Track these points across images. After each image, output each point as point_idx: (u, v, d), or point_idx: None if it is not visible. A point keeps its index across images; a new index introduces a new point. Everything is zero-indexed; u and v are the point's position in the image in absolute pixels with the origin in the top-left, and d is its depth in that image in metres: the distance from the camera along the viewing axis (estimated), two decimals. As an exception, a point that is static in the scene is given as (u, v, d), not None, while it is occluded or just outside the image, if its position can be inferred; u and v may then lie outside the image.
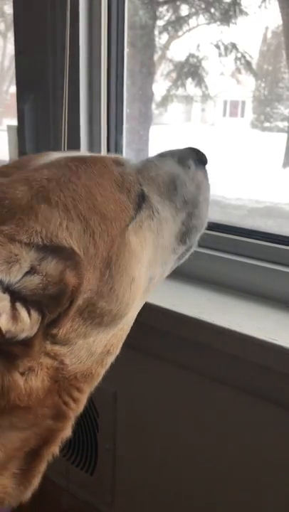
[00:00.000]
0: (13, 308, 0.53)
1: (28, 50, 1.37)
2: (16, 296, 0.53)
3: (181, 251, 0.76)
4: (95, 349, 0.64)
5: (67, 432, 0.69)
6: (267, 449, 1.05)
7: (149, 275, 0.69)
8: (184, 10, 2.04)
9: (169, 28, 2.09)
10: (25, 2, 1.35)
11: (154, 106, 2.17)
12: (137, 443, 1.30)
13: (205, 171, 0.80)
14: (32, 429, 0.61)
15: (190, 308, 1.06)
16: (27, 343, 0.55)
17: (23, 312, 0.53)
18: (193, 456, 1.18)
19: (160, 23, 2.08)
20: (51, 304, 0.55)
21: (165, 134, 2.28)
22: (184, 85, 2.17)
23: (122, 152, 1.39)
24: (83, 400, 0.68)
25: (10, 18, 2.93)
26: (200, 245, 1.21)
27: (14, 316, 0.52)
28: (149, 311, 1.09)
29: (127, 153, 1.44)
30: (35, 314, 0.54)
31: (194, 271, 1.20)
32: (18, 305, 0.53)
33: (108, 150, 1.38)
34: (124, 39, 1.33)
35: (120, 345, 0.71)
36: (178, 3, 2.07)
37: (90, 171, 0.62)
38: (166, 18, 2.10)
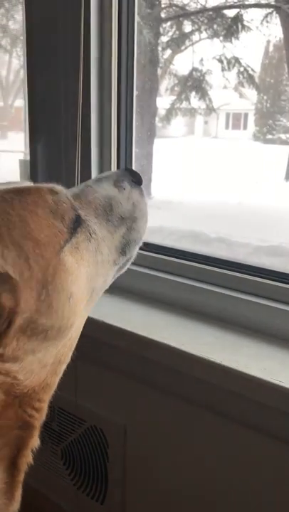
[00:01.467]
0: None
1: (41, 92, 1.39)
2: None
3: (122, 261, 0.82)
4: (46, 361, 0.69)
5: (35, 441, 0.73)
6: (272, 483, 1.05)
7: (90, 287, 0.74)
8: (187, 26, 2.05)
9: (172, 44, 2.10)
10: (37, 43, 1.37)
11: (157, 119, 2.19)
12: (147, 474, 1.28)
13: (140, 190, 0.87)
14: (1, 440, 0.66)
15: (198, 347, 1.07)
16: None
17: None
18: (202, 489, 1.18)
19: (164, 39, 2.09)
20: None
21: (168, 147, 2.29)
22: (188, 99, 2.18)
23: None
24: (44, 408, 0.72)
25: (14, 33, 2.96)
26: (207, 282, 1.24)
27: None
28: (158, 349, 1.10)
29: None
30: None
31: (201, 308, 1.23)
32: None
33: None
34: (134, 80, 1.34)
35: (70, 353, 0.75)
36: (181, 19, 2.09)
37: (24, 201, 0.67)
38: (169, 34, 2.12)
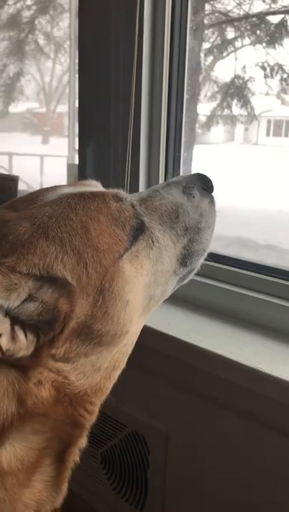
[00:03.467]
0: (13, 330, 0.59)
1: (91, 97, 1.39)
2: (15, 319, 0.60)
3: (183, 272, 0.80)
4: (99, 365, 0.69)
5: (83, 440, 0.74)
6: None
7: (148, 295, 0.74)
8: (230, 32, 2.03)
9: (215, 51, 2.08)
10: (90, 50, 1.37)
11: (196, 126, 2.17)
12: (188, 482, 1.24)
13: (211, 198, 0.83)
14: (52, 432, 0.68)
15: (246, 356, 1.04)
16: (35, 357, 0.62)
17: (20, 334, 0.59)
18: (245, 501, 1.14)
19: (206, 45, 2.08)
20: (45, 328, 0.61)
21: (208, 154, 2.27)
22: (229, 106, 2.16)
23: None
24: (95, 411, 0.73)
25: (58, 40, 3.00)
26: (255, 290, 1.21)
27: (13, 337, 0.59)
28: (204, 356, 1.08)
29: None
30: (30, 336, 0.60)
31: (249, 316, 1.19)
32: (17, 328, 0.59)
33: None
34: (185, 86, 1.33)
35: (125, 359, 0.75)
36: (224, 25, 2.07)
37: (88, 207, 0.68)
38: (211, 40, 2.10)
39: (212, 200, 0.83)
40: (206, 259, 1.32)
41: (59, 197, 0.70)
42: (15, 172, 2.57)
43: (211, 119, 2.27)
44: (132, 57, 1.23)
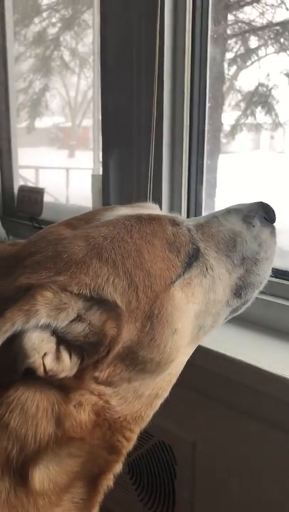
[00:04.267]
0: (58, 350, 0.58)
1: (114, 109, 1.42)
2: (61, 339, 0.59)
3: (236, 304, 0.77)
4: (141, 392, 0.67)
5: (118, 466, 0.72)
6: None
7: (198, 325, 0.72)
8: (253, 41, 2.04)
9: (238, 60, 2.09)
10: (112, 63, 1.41)
11: (221, 135, 2.18)
12: (217, 493, 1.23)
13: (272, 229, 0.81)
14: (87, 456, 0.66)
15: (274, 365, 1.03)
16: (78, 378, 0.61)
17: (65, 355, 0.59)
18: (275, 509, 1.12)
19: (229, 55, 2.09)
20: (90, 350, 0.60)
21: (233, 163, 2.27)
22: (253, 114, 2.16)
23: (201, 202, 1.40)
24: (134, 438, 0.71)
25: (83, 56, 3.07)
26: (283, 297, 1.18)
27: (57, 357, 0.58)
28: (231, 365, 1.07)
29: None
30: (75, 358, 0.60)
31: (276, 325, 1.19)
32: (62, 348, 0.59)
33: (188, 200, 1.40)
34: (206, 96, 1.35)
35: (169, 388, 0.73)
36: (247, 35, 2.08)
37: (144, 230, 0.67)
38: (234, 49, 2.11)
39: (273, 231, 0.80)
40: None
41: (116, 218, 0.69)
42: (41, 185, 2.63)
43: (236, 128, 2.27)
44: (153, 69, 1.25)
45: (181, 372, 1.21)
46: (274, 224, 0.81)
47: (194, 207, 1.39)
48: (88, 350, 0.60)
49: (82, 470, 0.66)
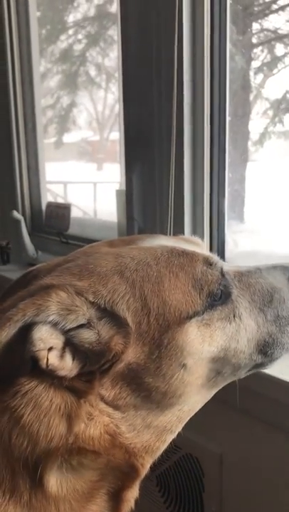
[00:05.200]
0: (63, 349, 0.61)
1: (135, 123, 1.46)
2: (68, 340, 0.62)
3: (260, 360, 0.75)
4: (150, 422, 0.68)
5: (136, 491, 0.73)
6: None
7: (215, 369, 0.71)
8: (279, 49, 2.05)
9: (265, 68, 2.11)
10: (133, 78, 1.45)
11: (249, 143, 2.19)
12: (245, 507, 1.24)
13: None
14: (107, 469, 0.67)
15: None
16: (88, 383, 0.63)
17: (68, 355, 0.61)
18: None
19: (255, 64, 2.11)
20: (93, 359, 0.63)
21: (261, 171, 2.27)
22: (281, 121, 2.16)
23: (224, 215, 1.42)
24: (146, 466, 0.71)
25: (109, 70, 3.14)
26: None
27: (61, 355, 0.61)
28: (259, 379, 1.05)
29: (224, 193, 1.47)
30: (77, 361, 0.62)
31: None
32: (67, 348, 0.62)
33: (211, 213, 1.42)
34: (226, 107, 1.37)
35: (180, 425, 0.73)
36: (273, 43, 2.10)
37: (172, 261, 0.69)
38: (261, 58, 2.13)
39: None
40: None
41: (152, 246, 0.72)
42: (71, 199, 2.69)
43: (264, 136, 2.28)
44: (172, 81, 1.29)
45: None
46: None
47: (217, 220, 1.41)
48: (91, 359, 0.62)
49: (103, 480, 0.67)
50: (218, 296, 0.70)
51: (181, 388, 0.68)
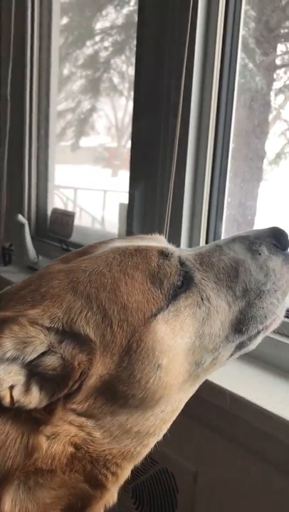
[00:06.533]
0: (28, 382, 0.60)
1: (142, 145, 1.50)
2: (32, 371, 0.60)
3: (238, 340, 0.73)
4: (129, 428, 0.66)
5: (108, 500, 0.71)
6: None
7: (194, 361, 0.69)
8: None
9: (286, 90, 2.14)
10: (142, 103, 1.49)
11: (266, 162, 2.22)
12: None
13: (285, 257, 0.75)
14: (62, 489, 0.65)
15: (272, 403, 1.05)
16: (49, 411, 0.61)
17: (34, 387, 0.60)
18: None
19: (277, 85, 2.14)
20: (61, 383, 0.61)
21: (275, 190, 2.30)
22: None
23: (220, 237, 1.44)
24: (123, 474, 0.70)
25: (132, 79, 3.20)
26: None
27: (26, 389, 0.59)
28: (237, 403, 1.10)
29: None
30: (45, 390, 0.61)
31: (281, 363, 1.21)
32: (33, 380, 0.60)
33: (207, 235, 1.45)
34: (231, 132, 1.40)
35: (165, 426, 0.71)
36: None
37: (125, 263, 0.66)
38: (283, 79, 2.16)
39: (286, 259, 0.75)
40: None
41: (104, 251, 0.69)
42: (81, 205, 2.75)
43: (280, 156, 2.30)
44: (178, 103, 1.33)
45: (187, 403, 1.26)
46: (287, 251, 0.76)
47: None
48: (59, 383, 0.61)
49: (56, 503, 0.65)
50: (179, 285, 0.68)
51: (159, 391, 0.66)
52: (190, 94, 1.36)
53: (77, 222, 2.46)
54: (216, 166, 1.42)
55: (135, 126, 1.53)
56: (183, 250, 0.75)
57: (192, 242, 1.44)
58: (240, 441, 1.19)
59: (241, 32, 1.42)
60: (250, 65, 1.80)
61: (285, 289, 0.74)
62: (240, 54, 1.43)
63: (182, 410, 1.28)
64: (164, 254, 0.69)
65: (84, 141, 3.24)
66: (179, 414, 1.30)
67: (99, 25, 3.05)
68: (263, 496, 1.17)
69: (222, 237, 1.45)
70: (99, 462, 0.66)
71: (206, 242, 1.46)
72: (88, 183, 3.02)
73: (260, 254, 0.74)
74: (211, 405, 1.20)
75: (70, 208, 2.89)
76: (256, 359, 1.28)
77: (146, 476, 1.46)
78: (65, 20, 3.17)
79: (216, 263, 0.73)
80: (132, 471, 1.49)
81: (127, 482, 1.48)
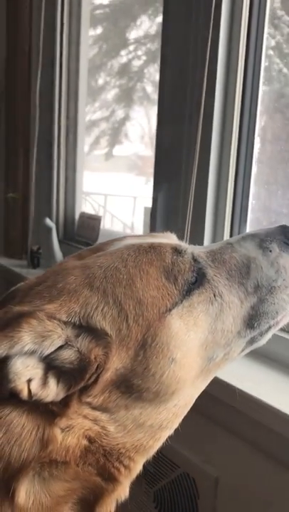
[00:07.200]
0: (45, 375, 0.62)
1: (165, 149, 1.52)
2: (49, 365, 0.62)
3: (250, 335, 0.75)
4: (143, 421, 0.68)
5: (120, 494, 0.72)
6: None
7: (206, 356, 0.71)
8: None
9: None
10: (166, 108, 1.51)
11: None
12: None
13: None
14: (76, 482, 0.67)
15: None
16: (65, 404, 0.63)
17: (52, 380, 0.62)
18: None
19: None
20: (78, 377, 0.63)
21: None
22: None
23: None
24: (136, 468, 0.71)
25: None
26: None
27: (44, 383, 0.61)
28: (260, 408, 1.10)
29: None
30: (62, 384, 0.62)
31: None
32: (50, 373, 0.62)
33: (231, 235, 1.45)
34: (255, 131, 1.41)
35: (176, 421, 0.73)
36: None
37: (140, 260, 0.68)
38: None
39: None
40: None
41: (118, 248, 0.71)
42: (113, 211, 2.79)
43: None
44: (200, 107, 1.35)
45: (211, 408, 1.26)
46: None
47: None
48: (76, 376, 0.62)
49: (69, 495, 0.67)
50: (193, 281, 0.70)
51: (173, 385, 0.67)
52: (213, 98, 1.38)
53: (108, 227, 2.50)
54: (240, 170, 1.43)
55: (159, 130, 1.55)
56: (195, 248, 0.77)
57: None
58: (263, 447, 1.18)
59: (265, 42, 1.43)
60: (285, 70, 1.79)
61: None
62: (276, 60, 1.43)
63: (206, 415, 1.29)
64: (177, 250, 0.71)
65: (118, 150, 3.28)
66: (203, 419, 1.31)
67: (133, 35, 3.09)
68: (286, 503, 1.16)
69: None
70: (112, 455, 0.68)
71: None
72: (121, 190, 3.06)
73: (270, 251, 0.76)
74: (233, 409, 1.19)
75: (101, 214, 2.95)
76: (278, 362, 1.27)
77: (167, 480, 1.46)
78: (99, 31, 3.25)
79: (227, 260, 0.75)
80: (154, 475, 1.50)
81: (150, 487, 1.49)
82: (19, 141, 1.93)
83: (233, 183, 1.42)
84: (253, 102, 1.41)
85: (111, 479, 0.69)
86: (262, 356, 1.31)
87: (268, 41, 1.85)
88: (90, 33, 3.19)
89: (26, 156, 1.92)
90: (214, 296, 0.71)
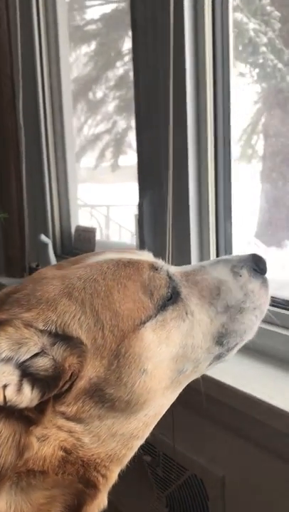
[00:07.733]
0: (20, 382, 0.63)
1: (145, 156, 1.55)
2: (25, 372, 0.64)
3: (217, 351, 0.79)
4: (115, 431, 0.71)
5: (101, 501, 0.74)
6: None
7: (176, 369, 0.74)
8: None
9: None
10: (144, 103, 1.55)
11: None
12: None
13: (263, 280, 0.83)
14: (56, 489, 0.69)
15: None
16: (40, 411, 0.64)
17: (26, 387, 0.63)
18: None
19: None
20: (52, 384, 0.65)
21: None
22: None
23: (231, 238, 1.46)
24: (112, 477, 0.73)
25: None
26: None
27: (18, 389, 0.63)
28: (261, 407, 1.11)
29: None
30: (36, 390, 0.64)
31: None
32: (25, 380, 0.63)
33: (217, 238, 1.47)
34: (230, 144, 1.41)
35: (148, 430, 0.75)
36: None
37: (118, 273, 0.72)
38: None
39: (264, 282, 0.83)
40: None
41: (98, 261, 0.74)
42: (117, 220, 2.82)
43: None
44: (168, 115, 1.36)
45: (214, 409, 1.25)
46: (265, 275, 0.84)
47: (224, 245, 1.45)
48: (50, 384, 0.64)
49: (51, 502, 0.68)
50: (168, 297, 0.74)
51: (144, 395, 0.70)
52: (184, 100, 1.39)
53: (116, 238, 2.52)
54: (219, 170, 1.43)
55: (138, 138, 1.57)
56: (170, 267, 0.81)
57: (202, 244, 1.45)
58: (267, 445, 1.18)
59: (232, 39, 1.43)
60: (280, 65, 1.78)
61: (263, 308, 0.82)
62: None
63: (210, 415, 1.29)
64: (154, 267, 0.75)
65: (123, 160, 3.31)
66: (203, 420, 1.31)
67: (126, 46, 3.14)
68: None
69: (233, 238, 1.47)
70: (90, 466, 0.70)
71: (216, 245, 1.46)
72: (128, 199, 3.10)
73: (241, 276, 0.82)
74: (234, 410, 1.20)
75: (104, 225, 2.96)
76: (274, 359, 1.27)
77: (177, 484, 1.46)
78: (93, 46, 3.30)
79: (199, 281, 0.80)
80: (164, 480, 1.50)
81: (161, 491, 1.49)
82: (10, 157, 1.96)
83: (213, 183, 1.43)
84: (226, 103, 1.42)
85: (91, 487, 0.71)
86: (260, 355, 1.30)
87: (260, 38, 1.85)
88: (85, 49, 3.25)
89: (18, 172, 1.96)
90: (186, 313, 0.75)
